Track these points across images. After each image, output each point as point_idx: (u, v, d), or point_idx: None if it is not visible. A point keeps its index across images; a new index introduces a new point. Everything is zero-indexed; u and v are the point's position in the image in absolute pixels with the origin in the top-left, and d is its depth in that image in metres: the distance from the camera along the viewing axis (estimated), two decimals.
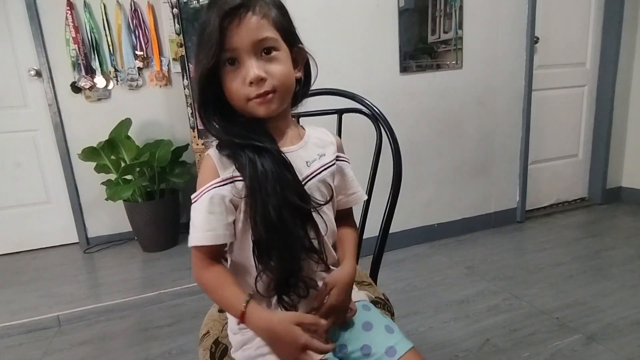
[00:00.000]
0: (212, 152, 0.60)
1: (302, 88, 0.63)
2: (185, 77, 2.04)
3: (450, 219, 2.25)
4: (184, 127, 2.43)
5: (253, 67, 0.54)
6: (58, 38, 2.27)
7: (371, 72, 1.92)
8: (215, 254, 0.60)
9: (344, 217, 0.73)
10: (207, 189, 0.57)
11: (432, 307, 1.55)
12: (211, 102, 0.57)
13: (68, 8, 2.23)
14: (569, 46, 2.42)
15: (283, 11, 0.58)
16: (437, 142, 2.12)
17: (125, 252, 2.36)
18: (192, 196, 0.61)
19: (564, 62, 2.43)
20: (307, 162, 0.63)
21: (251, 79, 0.53)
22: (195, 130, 2.08)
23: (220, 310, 0.78)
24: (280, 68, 0.56)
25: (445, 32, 2.00)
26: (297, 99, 0.64)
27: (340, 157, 0.69)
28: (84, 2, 2.27)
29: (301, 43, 0.61)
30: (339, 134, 0.96)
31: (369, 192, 0.91)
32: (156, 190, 2.26)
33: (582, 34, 2.44)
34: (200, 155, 2.10)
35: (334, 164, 0.67)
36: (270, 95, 0.55)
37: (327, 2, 1.78)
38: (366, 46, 1.89)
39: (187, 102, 2.08)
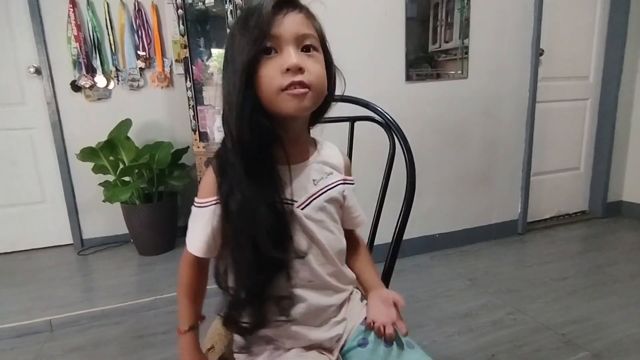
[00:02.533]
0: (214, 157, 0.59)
1: (323, 104, 0.60)
2: (188, 79, 2.01)
3: (451, 229, 2.23)
4: (184, 129, 2.40)
5: (293, 55, 0.51)
6: (59, 36, 2.24)
7: (377, 79, 1.90)
8: (205, 262, 0.62)
9: (349, 237, 0.71)
10: (210, 203, 0.57)
11: (435, 320, 1.52)
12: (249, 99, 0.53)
13: (71, 6, 2.20)
14: (573, 59, 2.43)
15: (320, 24, 0.58)
16: (441, 152, 2.11)
17: (120, 255, 2.31)
18: (197, 199, 0.59)
19: (568, 75, 2.44)
20: (314, 180, 0.61)
21: (289, 65, 0.51)
22: (197, 132, 2.05)
23: None
24: (318, 67, 0.54)
25: (446, 42, 2.00)
26: (317, 114, 0.61)
27: (348, 180, 0.68)
28: (87, 0, 2.24)
29: (331, 57, 0.60)
30: (351, 141, 0.93)
31: (381, 202, 0.89)
32: (154, 192, 2.22)
33: (586, 48, 2.45)
34: (200, 158, 2.07)
35: (340, 184, 0.65)
36: (304, 90, 0.52)
37: (336, 8, 1.77)
38: (373, 54, 1.88)
39: (189, 104, 2.05)
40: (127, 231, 2.32)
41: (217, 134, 2.05)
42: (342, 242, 0.66)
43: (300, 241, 0.58)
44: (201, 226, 0.57)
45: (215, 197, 0.56)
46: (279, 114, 0.53)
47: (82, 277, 2.04)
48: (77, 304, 1.71)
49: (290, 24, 0.52)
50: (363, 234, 0.80)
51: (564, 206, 2.64)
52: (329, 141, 0.70)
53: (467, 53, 2.04)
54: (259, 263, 0.53)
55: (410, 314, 1.56)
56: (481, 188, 2.25)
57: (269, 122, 0.53)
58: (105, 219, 2.45)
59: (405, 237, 0.85)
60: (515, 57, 2.16)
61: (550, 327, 1.43)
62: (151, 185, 2.21)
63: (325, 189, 0.62)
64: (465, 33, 2.01)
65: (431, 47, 1.97)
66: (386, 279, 0.87)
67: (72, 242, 2.45)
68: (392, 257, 0.86)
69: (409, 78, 1.96)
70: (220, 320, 0.59)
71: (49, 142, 2.33)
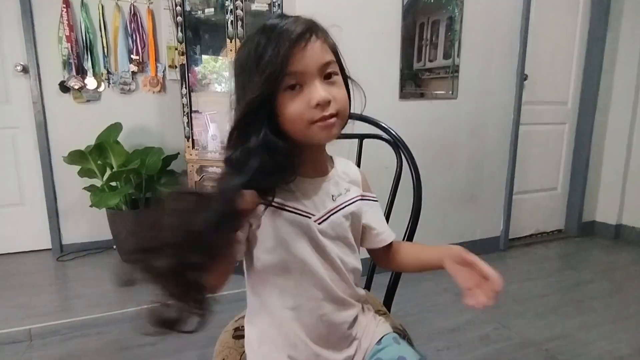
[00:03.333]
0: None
1: None
2: (184, 86, 2.00)
3: (437, 244, 2.27)
4: (174, 135, 2.38)
5: (320, 90, 0.52)
6: (50, 35, 2.19)
7: (371, 97, 1.94)
8: None
9: (390, 249, 0.72)
10: None
11: (425, 334, 1.54)
12: (261, 122, 0.52)
13: (64, 6, 2.16)
14: (553, 86, 2.56)
15: (332, 39, 0.58)
16: (430, 169, 2.17)
17: (102, 262, 2.24)
18: None
19: (549, 100, 2.57)
20: (332, 196, 0.62)
21: (319, 100, 0.51)
22: (190, 140, 2.03)
23: (236, 337, 0.74)
24: (341, 92, 0.55)
25: (430, 61, 2.07)
26: None
27: (367, 196, 0.69)
28: (82, 1, 2.21)
29: (346, 73, 0.60)
30: (359, 158, 0.96)
31: (386, 219, 0.91)
32: (142, 198, 2.17)
33: (566, 76, 2.60)
34: (192, 165, 2.04)
35: (359, 200, 0.66)
36: (333, 120, 0.53)
37: (334, 25, 1.81)
38: (368, 71, 1.92)
39: (183, 111, 2.03)
40: (108, 237, 2.25)
41: (210, 142, 2.04)
42: (357, 261, 0.66)
43: (310, 257, 0.58)
44: None
45: None
46: (307, 143, 0.55)
47: (62, 284, 1.97)
48: (58, 313, 1.64)
49: (312, 57, 0.51)
50: None
51: (542, 224, 2.75)
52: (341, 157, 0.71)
53: (457, 71, 2.12)
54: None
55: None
56: (466, 205, 2.32)
57: (290, 151, 0.53)
58: (87, 224, 2.37)
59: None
60: (502, 81, 2.26)
61: (535, 343, 1.48)
62: (139, 191, 2.16)
63: (343, 205, 0.63)
64: (456, 54, 2.10)
65: (416, 65, 2.04)
66: (390, 294, 0.89)
67: (50, 247, 2.35)
68: (396, 275, 0.88)
69: (403, 96, 2.02)
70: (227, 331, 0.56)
71: (32, 142, 2.25)
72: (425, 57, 2.05)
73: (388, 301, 0.88)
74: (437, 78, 2.09)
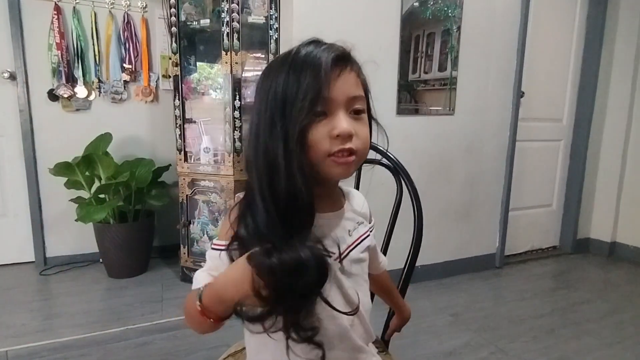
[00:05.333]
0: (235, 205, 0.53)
1: None
2: (177, 98, 1.95)
3: (432, 261, 2.24)
4: (166, 146, 2.32)
5: (343, 121, 0.48)
6: (40, 42, 2.13)
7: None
8: None
9: (379, 276, 0.75)
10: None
11: (422, 358, 1.50)
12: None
13: (55, 12, 2.11)
14: (549, 103, 2.57)
15: (366, 80, 0.56)
16: (426, 185, 2.14)
17: (87, 276, 2.16)
18: (215, 239, 0.54)
19: (544, 117, 2.57)
20: (349, 231, 0.58)
21: (340, 131, 0.48)
22: (182, 152, 1.98)
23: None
24: (365, 131, 0.52)
25: (425, 73, 2.06)
26: None
27: (371, 227, 0.66)
28: (73, 8, 2.16)
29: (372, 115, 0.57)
30: (358, 182, 0.92)
31: (386, 245, 0.88)
32: (130, 211, 2.11)
33: (561, 94, 2.61)
34: (184, 178, 1.99)
35: (370, 233, 0.64)
36: (352, 157, 0.49)
37: (333, 40, 1.79)
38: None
39: (175, 123, 1.98)
40: (95, 250, 2.19)
41: (202, 155, 1.99)
42: (370, 300, 0.64)
43: (338, 303, 0.54)
44: (216, 265, 0.51)
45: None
46: (320, 177, 0.51)
47: (43, 301, 1.89)
48: (37, 334, 1.57)
49: (343, 86, 0.49)
50: None
51: (537, 241, 2.73)
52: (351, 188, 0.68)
53: (454, 84, 2.10)
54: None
55: (397, 351, 1.53)
56: (462, 221, 2.29)
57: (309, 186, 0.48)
58: (73, 237, 2.30)
59: (389, 268, 0.83)
60: (499, 98, 2.25)
61: None
62: (127, 204, 2.10)
63: (360, 240, 0.60)
64: (452, 67, 2.09)
65: (411, 77, 2.03)
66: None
67: (33, 260, 2.27)
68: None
69: (400, 112, 2.00)
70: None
71: (18, 151, 2.18)
72: (421, 69, 2.04)
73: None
74: (432, 90, 2.08)
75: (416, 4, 1.94)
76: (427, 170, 2.13)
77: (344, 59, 0.50)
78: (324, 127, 0.48)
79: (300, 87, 0.47)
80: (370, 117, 0.57)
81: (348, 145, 0.48)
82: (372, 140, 0.64)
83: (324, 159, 0.49)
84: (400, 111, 2.00)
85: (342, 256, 0.55)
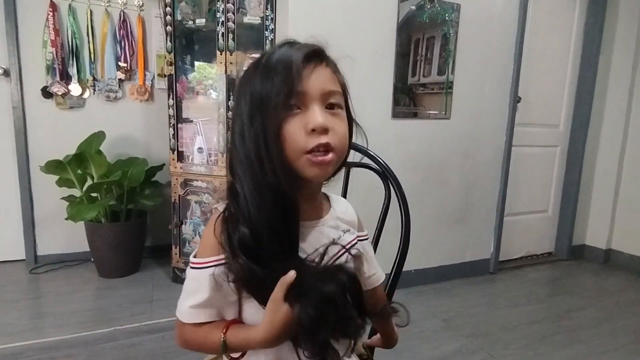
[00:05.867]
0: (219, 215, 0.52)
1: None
2: (171, 97, 1.94)
3: (427, 265, 2.23)
4: (160, 145, 2.31)
5: (318, 114, 0.47)
6: (34, 39, 2.12)
7: (364, 115, 1.90)
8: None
9: (372, 293, 0.69)
10: (210, 264, 0.50)
11: None
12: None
13: (50, 9, 2.09)
14: (546, 109, 2.56)
15: (345, 80, 0.55)
16: (421, 189, 2.13)
17: (78, 275, 2.14)
18: (192, 257, 0.53)
19: (541, 122, 2.56)
20: (333, 239, 0.56)
21: (315, 125, 0.47)
22: (175, 152, 1.97)
23: None
24: (342, 127, 0.51)
25: (424, 76, 2.05)
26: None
27: (361, 236, 0.64)
28: (69, 5, 2.15)
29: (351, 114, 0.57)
30: (346, 186, 0.91)
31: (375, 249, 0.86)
32: (123, 210, 2.09)
33: (558, 99, 2.60)
34: (177, 179, 1.97)
35: (357, 242, 0.62)
36: (329, 156, 0.48)
37: (328, 41, 1.78)
38: (361, 89, 1.89)
39: (169, 123, 1.97)
40: (86, 249, 2.17)
41: (196, 155, 1.97)
42: None
43: None
44: (202, 293, 0.51)
45: (216, 258, 0.50)
46: (300, 178, 0.50)
47: (32, 300, 1.87)
48: (24, 333, 1.55)
49: (317, 80, 0.48)
50: None
51: (533, 247, 2.72)
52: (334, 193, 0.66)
53: (450, 88, 2.09)
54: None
55: (388, 357, 1.52)
56: (457, 226, 2.28)
57: (292, 188, 0.49)
58: (64, 235, 2.28)
59: (386, 271, 0.82)
60: (495, 102, 2.25)
61: None
62: (120, 203, 2.08)
63: (344, 249, 0.58)
64: (450, 71, 2.08)
65: (410, 80, 2.02)
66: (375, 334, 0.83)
67: (24, 258, 2.25)
68: None
69: (395, 115, 1.99)
70: None
71: (10, 148, 2.16)
72: (420, 73, 2.03)
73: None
74: (431, 94, 2.07)
75: (413, 7, 1.94)
76: (422, 174, 2.12)
77: (317, 55, 0.50)
78: (299, 121, 0.48)
79: (274, 84, 0.47)
80: (350, 117, 0.56)
81: (324, 140, 0.47)
82: (363, 145, 0.64)
83: (301, 155, 0.48)
84: (396, 114, 1.99)
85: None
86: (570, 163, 2.67)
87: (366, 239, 0.66)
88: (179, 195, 1.98)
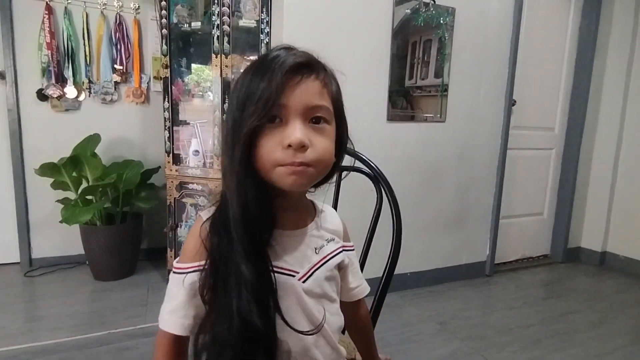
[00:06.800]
0: (206, 220, 0.52)
1: (330, 172, 0.55)
2: (166, 99, 1.94)
3: (422, 268, 2.23)
4: (156, 147, 2.31)
5: (297, 130, 0.46)
6: (30, 41, 2.12)
7: (359, 118, 1.92)
8: (184, 343, 0.54)
9: (353, 306, 0.67)
10: (192, 270, 0.50)
11: None
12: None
13: (46, 12, 2.09)
14: (541, 112, 2.57)
15: (339, 89, 0.54)
16: (417, 192, 2.13)
17: (73, 278, 2.13)
18: (176, 263, 0.53)
19: (536, 125, 2.57)
20: (315, 249, 0.56)
21: (291, 141, 0.45)
22: (171, 155, 1.97)
23: None
24: (325, 142, 0.49)
25: (422, 79, 2.06)
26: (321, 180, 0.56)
27: (347, 246, 0.63)
28: (65, 8, 2.15)
29: (347, 126, 0.56)
30: (337, 190, 0.91)
31: (364, 258, 0.86)
32: (118, 213, 2.09)
33: (553, 103, 2.62)
34: (172, 181, 1.97)
35: (341, 251, 0.61)
36: (302, 167, 0.47)
37: (323, 44, 1.78)
38: (356, 92, 1.89)
39: (165, 125, 1.97)
40: (81, 252, 2.16)
41: (191, 158, 1.97)
42: (341, 319, 0.61)
43: (300, 321, 0.53)
44: (179, 297, 0.51)
45: (198, 263, 0.50)
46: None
47: (26, 304, 1.86)
48: (18, 336, 1.55)
49: (301, 94, 0.47)
50: None
51: (528, 250, 2.73)
52: (321, 201, 0.65)
53: (446, 90, 2.10)
54: (244, 338, 0.47)
55: None
56: (453, 229, 2.29)
57: (267, 193, 0.49)
58: (60, 238, 2.27)
59: (378, 274, 0.82)
60: (490, 105, 2.26)
61: None
62: (115, 205, 2.08)
63: (328, 258, 0.57)
64: (446, 74, 2.09)
65: (407, 82, 2.02)
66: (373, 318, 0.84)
67: (18, 261, 2.24)
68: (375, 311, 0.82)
69: (390, 118, 1.99)
70: None
71: (5, 151, 2.16)
72: (417, 75, 2.04)
73: None
74: (428, 96, 2.08)
75: (408, 11, 1.95)
76: (418, 177, 2.12)
77: (307, 66, 0.48)
78: (277, 134, 0.47)
79: (257, 90, 0.46)
80: (343, 131, 0.55)
81: (299, 159, 0.46)
82: (355, 150, 0.63)
83: (274, 167, 0.47)
84: (391, 117, 2.00)
85: (307, 276, 0.54)
86: (566, 166, 2.68)
87: (352, 250, 0.65)
88: (175, 198, 1.97)
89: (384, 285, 0.82)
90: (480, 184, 2.32)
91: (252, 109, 0.46)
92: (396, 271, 2.41)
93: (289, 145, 0.46)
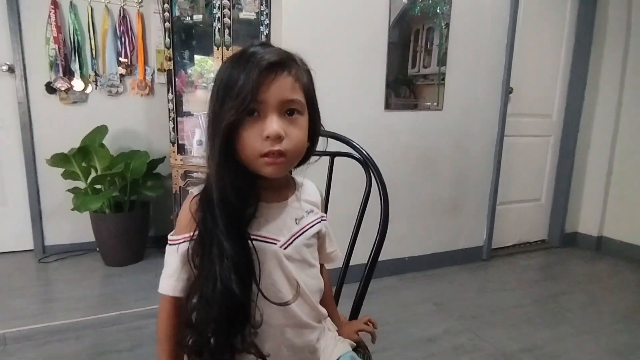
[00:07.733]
0: (195, 196, 0.59)
1: (305, 155, 0.62)
2: (170, 91, 2.00)
3: (420, 253, 2.30)
4: (161, 138, 2.37)
5: (274, 123, 0.53)
6: (38, 36, 2.18)
7: (356, 107, 1.97)
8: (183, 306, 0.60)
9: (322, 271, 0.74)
10: (183, 240, 0.58)
11: (400, 344, 1.56)
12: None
13: (52, 7, 2.15)
14: (539, 99, 2.60)
15: (311, 79, 0.60)
16: (414, 179, 2.19)
17: (84, 264, 2.23)
18: (170, 236, 0.61)
19: (534, 112, 2.61)
20: (295, 220, 0.63)
21: (269, 133, 0.52)
22: (175, 145, 2.04)
23: None
24: (298, 133, 0.56)
25: (424, 67, 2.09)
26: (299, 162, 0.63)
27: (324, 216, 0.71)
28: (70, 2, 2.20)
29: (319, 114, 0.62)
30: (330, 175, 0.97)
31: (354, 240, 0.93)
32: (126, 201, 2.17)
33: (551, 90, 2.64)
34: (177, 170, 2.05)
35: (320, 221, 0.68)
36: (281, 159, 0.54)
37: (321, 35, 1.83)
38: (354, 81, 1.94)
39: (169, 116, 2.04)
40: (91, 239, 2.25)
41: (195, 147, 2.04)
42: (321, 282, 0.68)
43: (283, 285, 0.60)
44: (173, 264, 0.58)
45: (189, 234, 0.57)
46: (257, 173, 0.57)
47: (41, 287, 1.96)
48: (35, 317, 1.64)
49: (276, 90, 0.53)
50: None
51: (526, 235, 2.79)
52: (304, 176, 0.71)
53: (443, 79, 2.14)
54: (227, 302, 0.54)
55: (377, 337, 1.60)
56: (450, 215, 2.35)
57: (249, 178, 0.56)
58: (71, 226, 2.37)
59: (359, 262, 0.88)
60: (487, 93, 2.29)
61: (506, 355, 1.51)
62: (123, 194, 2.16)
63: (307, 227, 0.65)
64: (443, 62, 2.12)
65: (410, 71, 2.06)
66: (355, 313, 0.90)
67: (32, 248, 2.34)
68: (361, 294, 0.89)
69: (387, 106, 2.04)
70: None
71: (17, 143, 2.24)
72: (420, 64, 2.07)
73: (355, 315, 0.90)
74: (431, 85, 2.12)
75: (405, 0, 1.98)
76: (416, 164, 2.18)
77: (281, 64, 0.54)
78: (257, 127, 0.53)
79: (236, 85, 0.52)
80: (315, 118, 0.61)
81: (277, 147, 0.53)
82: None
83: (257, 158, 0.54)
84: (388, 106, 2.05)
85: (287, 243, 0.61)
86: (563, 152, 2.72)
87: (326, 220, 0.72)
88: (180, 187, 2.05)
89: (371, 265, 0.88)
90: (477, 171, 2.37)
91: (231, 104, 0.52)
92: (395, 255, 2.49)
93: (267, 137, 0.53)
